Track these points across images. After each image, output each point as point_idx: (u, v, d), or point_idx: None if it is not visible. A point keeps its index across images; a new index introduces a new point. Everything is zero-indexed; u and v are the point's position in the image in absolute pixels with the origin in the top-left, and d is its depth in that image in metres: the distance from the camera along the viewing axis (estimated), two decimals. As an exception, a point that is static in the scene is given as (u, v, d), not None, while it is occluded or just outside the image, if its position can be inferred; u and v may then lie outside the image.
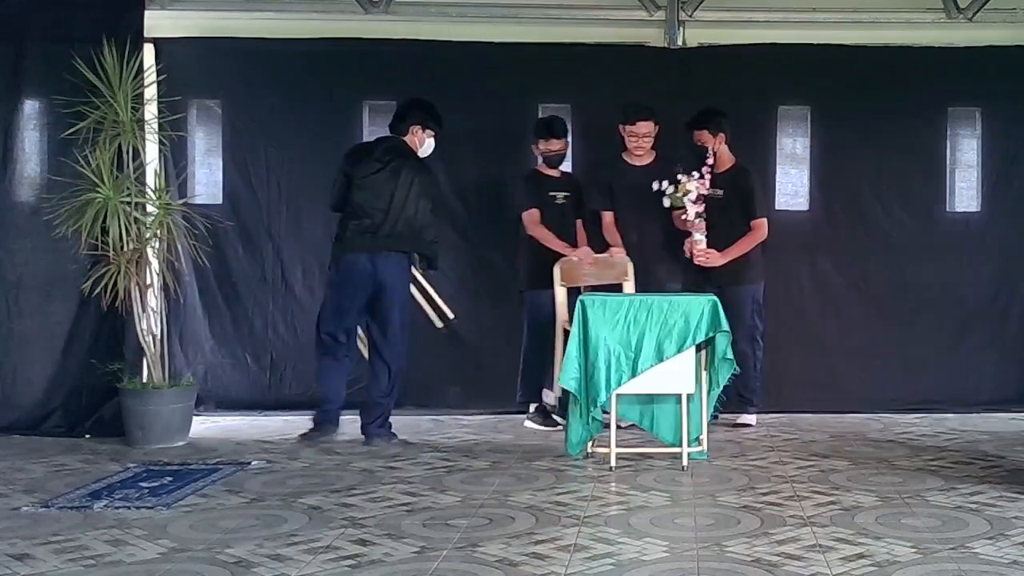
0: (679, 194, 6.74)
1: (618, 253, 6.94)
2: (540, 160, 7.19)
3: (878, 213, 7.69)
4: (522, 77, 7.62)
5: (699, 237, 6.89)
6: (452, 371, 7.69)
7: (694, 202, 6.74)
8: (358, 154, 6.76)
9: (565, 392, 5.96)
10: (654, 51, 7.72)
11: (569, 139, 7.19)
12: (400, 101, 6.91)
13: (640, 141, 6.99)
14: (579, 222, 7.21)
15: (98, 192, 6.49)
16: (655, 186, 6.76)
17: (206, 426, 7.15)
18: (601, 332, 5.81)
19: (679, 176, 6.74)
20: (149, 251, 6.72)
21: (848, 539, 4.50)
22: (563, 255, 6.94)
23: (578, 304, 5.91)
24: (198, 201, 7.35)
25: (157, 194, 6.84)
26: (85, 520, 4.86)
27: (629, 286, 6.83)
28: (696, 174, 6.74)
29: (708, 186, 6.77)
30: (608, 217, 7.08)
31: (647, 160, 7.05)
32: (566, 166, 7.36)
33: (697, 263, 6.94)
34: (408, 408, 7.40)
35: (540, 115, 7.58)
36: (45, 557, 4.32)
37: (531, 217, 7.04)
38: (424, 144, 6.76)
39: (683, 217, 6.85)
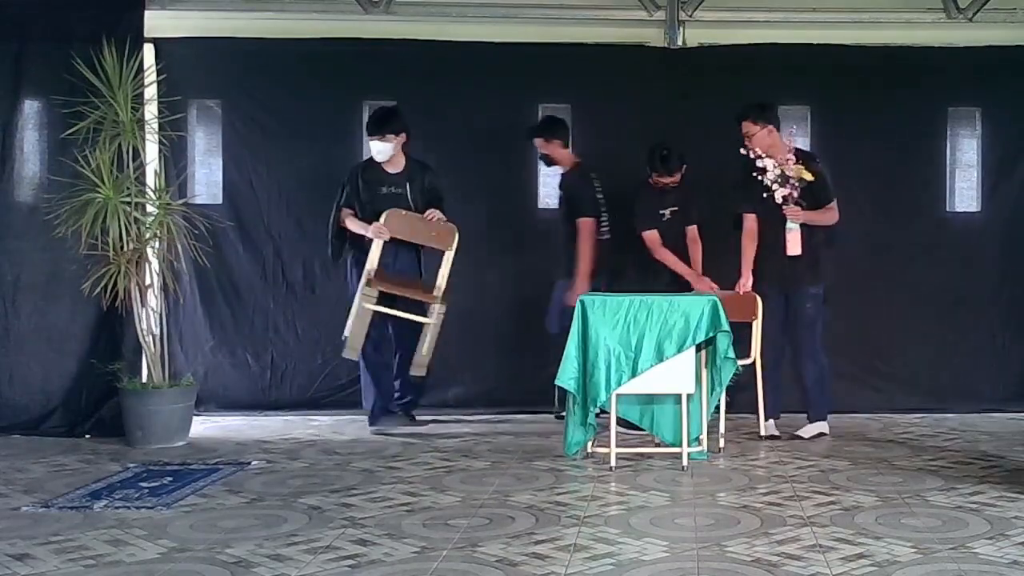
0: (770, 173, 6.53)
1: (745, 289, 6.61)
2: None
3: (878, 213, 7.69)
4: (522, 77, 7.62)
5: (788, 224, 6.60)
6: (452, 371, 7.69)
7: (780, 185, 6.52)
8: None
9: (562, 391, 5.94)
10: (654, 51, 7.72)
11: (682, 171, 6.99)
12: None
13: (746, 141, 6.67)
14: (692, 229, 7.11)
15: (98, 192, 6.49)
16: (759, 163, 6.58)
17: (206, 426, 7.14)
18: (601, 332, 5.81)
19: (754, 158, 6.57)
20: (149, 251, 6.72)
21: (848, 539, 4.50)
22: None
23: (578, 304, 5.91)
24: (198, 201, 7.35)
25: (157, 194, 6.84)
26: (85, 520, 4.86)
27: (757, 325, 6.59)
28: (773, 162, 6.57)
29: (790, 171, 6.52)
30: (750, 221, 6.70)
31: (787, 157, 6.67)
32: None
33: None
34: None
35: (538, 115, 7.61)
36: (45, 557, 4.32)
37: (652, 240, 6.95)
38: (372, 150, 6.93)
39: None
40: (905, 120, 7.64)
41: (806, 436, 6.68)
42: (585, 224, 7.09)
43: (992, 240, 7.72)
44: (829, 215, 6.75)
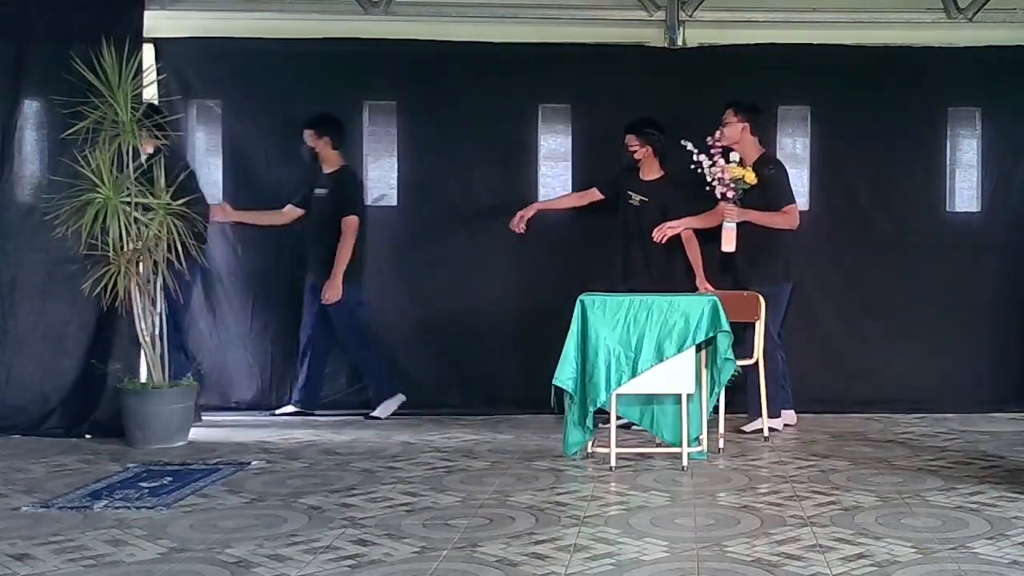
0: (706, 170, 6.70)
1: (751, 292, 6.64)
2: None
3: (878, 213, 7.69)
4: (522, 77, 7.63)
5: (724, 222, 6.73)
6: (452, 371, 7.69)
7: (719, 183, 6.66)
8: None
9: (561, 392, 5.94)
10: (654, 51, 7.72)
11: (645, 147, 7.14)
12: None
13: (721, 127, 6.84)
14: (687, 234, 7.09)
15: (98, 192, 6.48)
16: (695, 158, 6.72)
17: (206, 426, 7.14)
18: (601, 332, 5.80)
19: (700, 158, 6.70)
20: (149, 251, 6.70)
21: (848, 539, 4.50)
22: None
23: (578, 304, 5.90)
24: (198, 201, 7.35)
25: (157, 194, 6.83)
26: (85, 520, 4.86)
27: (760, 326, 6.56)
28: (708, 160, 6.70)
29: (724, 173, 6.65)
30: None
31: (753, 157, 6.86)
32: (565, 167, 7.40)
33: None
34: (408, 408, 7.43)
35: (539, 115, 7.64)
36: (45, 557, 4.32)
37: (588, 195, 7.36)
38: None
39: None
40: (905, 120, 7.64)
41: (779, 428, 6.85)
42: (352, 222, 7.28)
43: (992, 240, 7.72)
44: (781, 218, 6.83)
